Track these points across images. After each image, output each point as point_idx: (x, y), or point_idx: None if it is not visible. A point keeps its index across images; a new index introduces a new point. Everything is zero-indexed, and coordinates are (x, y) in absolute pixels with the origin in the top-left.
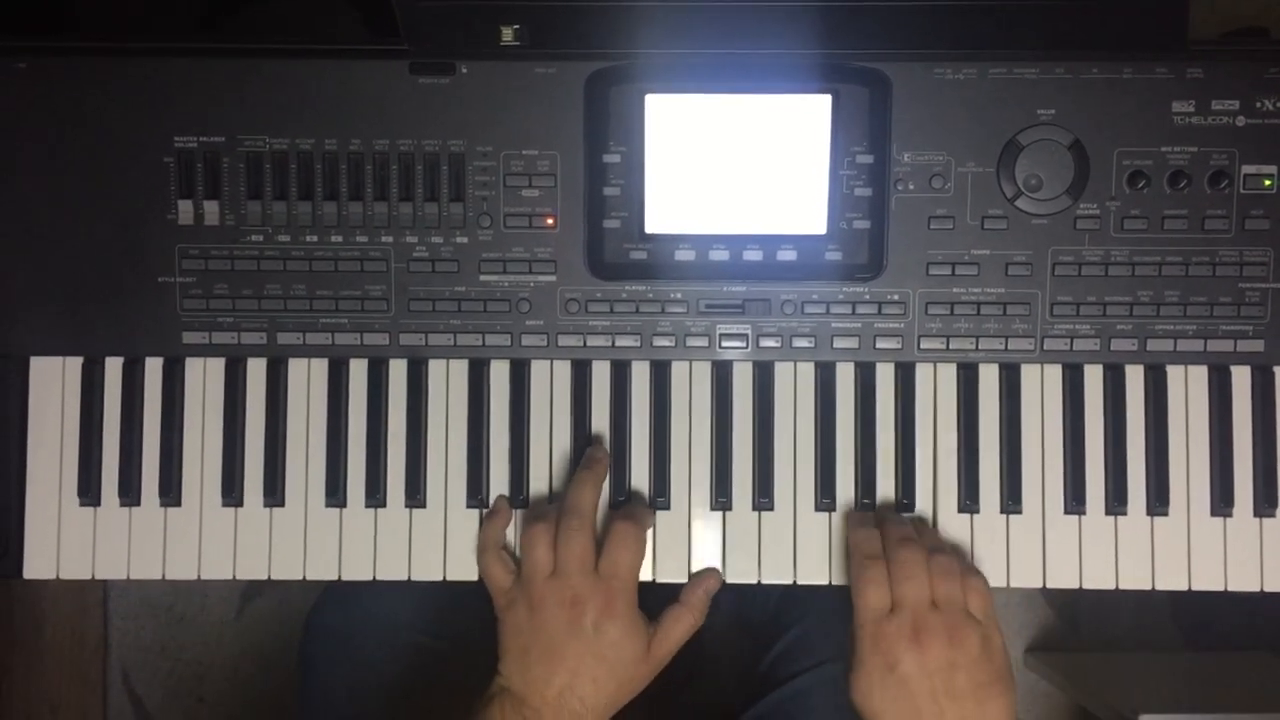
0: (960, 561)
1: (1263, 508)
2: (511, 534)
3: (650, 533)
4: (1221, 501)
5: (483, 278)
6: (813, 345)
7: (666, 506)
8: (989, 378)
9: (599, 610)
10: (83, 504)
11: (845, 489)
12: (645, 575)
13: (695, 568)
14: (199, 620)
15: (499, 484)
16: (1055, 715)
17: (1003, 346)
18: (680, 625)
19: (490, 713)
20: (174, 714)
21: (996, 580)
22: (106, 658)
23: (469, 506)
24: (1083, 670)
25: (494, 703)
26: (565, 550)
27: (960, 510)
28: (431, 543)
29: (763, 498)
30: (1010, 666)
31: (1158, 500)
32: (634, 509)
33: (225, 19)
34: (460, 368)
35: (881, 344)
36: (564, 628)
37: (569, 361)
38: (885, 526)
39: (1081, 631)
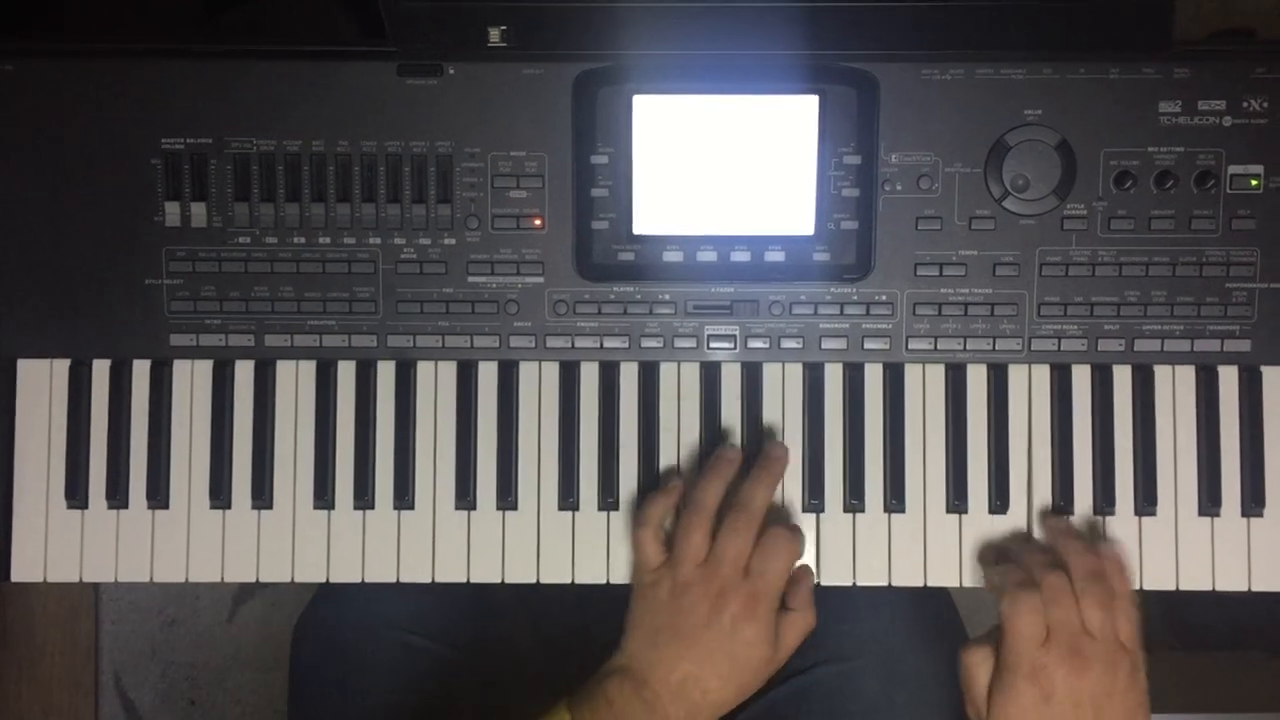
0: (1114, 584)
1: (1250, 507)
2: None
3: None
4: (1209, 501)
5: (471, 279)
6: (801, 346)
7: None
8: (977, 378)
9: (741, 608)
10: (70, 506)
11: (833, 490)
12: None
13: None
14: (191, 623)
15: (487, 486)
16: None
17: (990, 347)
18: (796, 629)
19: (607, 687)
20: (166, 717)
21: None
22: (98, 661)
23: (457, 508)
24: None
25: (612, 679)
26: (725, 543)
27: (949, 511)
28: (420, 544)
29: None
30: (1148, 698)
31: (1145, 500)
32: (795, 524)
33: (213, 20)
34: (448, 369)
35: (869, 345)
36: (703, 617)
37: (557, 363)
38: (1029, 553)
39: None
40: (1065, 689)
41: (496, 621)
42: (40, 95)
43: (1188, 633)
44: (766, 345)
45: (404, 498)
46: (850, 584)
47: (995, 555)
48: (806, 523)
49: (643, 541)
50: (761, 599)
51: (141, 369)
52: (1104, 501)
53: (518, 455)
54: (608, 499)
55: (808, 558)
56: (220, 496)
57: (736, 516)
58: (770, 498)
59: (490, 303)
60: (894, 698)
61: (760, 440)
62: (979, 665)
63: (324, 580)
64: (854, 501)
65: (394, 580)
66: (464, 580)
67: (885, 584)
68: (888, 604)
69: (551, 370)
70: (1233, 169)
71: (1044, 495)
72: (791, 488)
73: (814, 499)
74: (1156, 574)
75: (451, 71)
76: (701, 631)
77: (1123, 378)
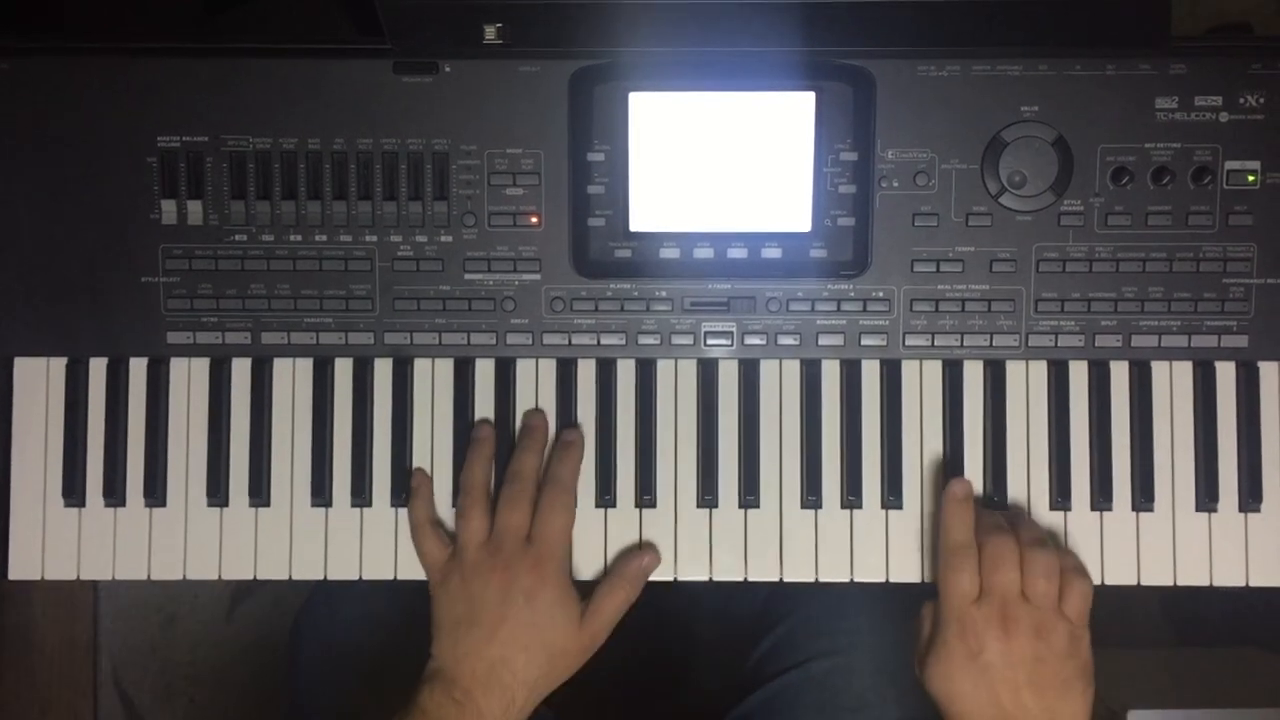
0: (1066, 561)
1: (1248, 503)
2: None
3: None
4: (1206, 497)
5: (467, 277)
6: (798, 343)
7: (653, 504)
8: (974, 375)
9: (530, 578)
10: (67, 505)
11: (831, 486)
12: None
13: (682, 565)
14: (189, 621)
15: None
16: None
17: (987, 343)
18: (614, 599)
19: (420, 699)
20: (164, 715)
21: None
22: (97, 658)
23: (454, 505)
24: None
25: (424, 689)
26: (501, 516)
27: None
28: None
29: (749, 495)
30: (1092, 669)
31: (1143, 496)
32: (561, 468)
33: (210, 19)
34: (445, 367)
35: (866, 341)
36: (496, 596)
37: (554, 360)
38: (979, 516)
39: None
40: (994, 649)
41: None
42: (37, 93)
43: (1186, 627)
44: (763, 342)
45: (401, 495)
46: (848, 580)
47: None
48: (805, 519)
49: (421, 543)
50: (546, 561)
51: (138, 367)
52: (1101, 497)
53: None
54: (605, 496)
55: (810, 556)
56: (217, 494)
57: (509, 489)
58: (540, 464)
59: (487, 300)
60: (886, 693)
61: (756, 439)
62: (924, 619)
63: (321, 578)
64: (851, 498)
65: (391, 578)
66: None
67: (883, 580)
68: (882, 599)
69: (548, 367)
70: (1229, 164)
71: (1041, 491)
72: (790, 484)
73: (811, 495)
74: (1154, 569)
75: (447, 69)
76: (499, 610)
77: (1120, 374)
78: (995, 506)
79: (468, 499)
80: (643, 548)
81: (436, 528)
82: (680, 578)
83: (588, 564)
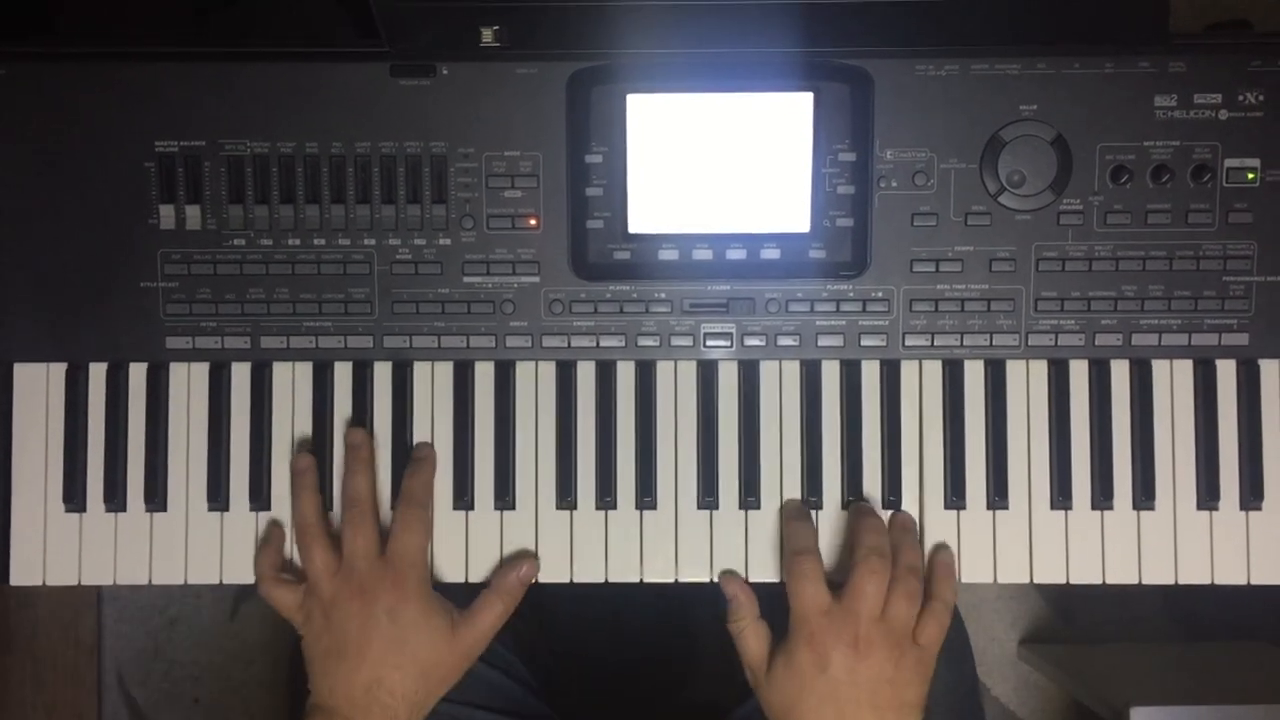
0: (936, 588)
1: (1249, 501)
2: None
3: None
4: (1207, 495)
5: (466, 279)
6: (797, 343)
7: (653, 506)
8: (974, 374)
9: (390, 596)
10: (68, 510)
11: (831, 487)
12: (632, 577)
13: (683, 567)
14: (193, 622)
15: (484, 485)
16: (1048, 707)
17: (987, 343)
18: (490, 612)
19: None
20: (169, 716)
21: (983, 576)
22: (101, 660)
23: (455, 508)
24: (1075, 662)
25: None
26: (349, 541)
27: (947, 507)
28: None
29: (749, 497)
30: (926, 696)
31: (1144, 495)
32: (412, 489)
33: (205, 22)
34: (445, 370)
35: (866, 341)
36: (358, 620)
37: (554, 363)
38: (863, 534)
39: (1074, 623)
40: (841, 664)
41: None
42: (33, 99)
43: (1189, 623)
44: (763, 343)
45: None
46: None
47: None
48: None
49: (269, 593)
50: (406, 577)
51: (138, 372)
52: (1102, 496)
53: (515, 455)
54: (605, 498)
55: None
56: (218, 499)
57: (347, 514)
58: (372, 484)
59: (486, 303)
60: None
61: (756, 440)
62: (745, 632)
63: None
64: (851, 498)
65: None
66: (463, 580)
67: None
68: None
69: (548, 370)
70: (1229, 162)
71: (1042, 490)
72: (790, 486)
73: (812, 496)
74: (1156, 568)
75: (445, 72)
76: (363, 634)
77: (1120, 372)
78: (994, 508)
79: (305, 536)
80: (520, 557)
81: (279, 575)
82: (681, 579)
83: (588, 567)
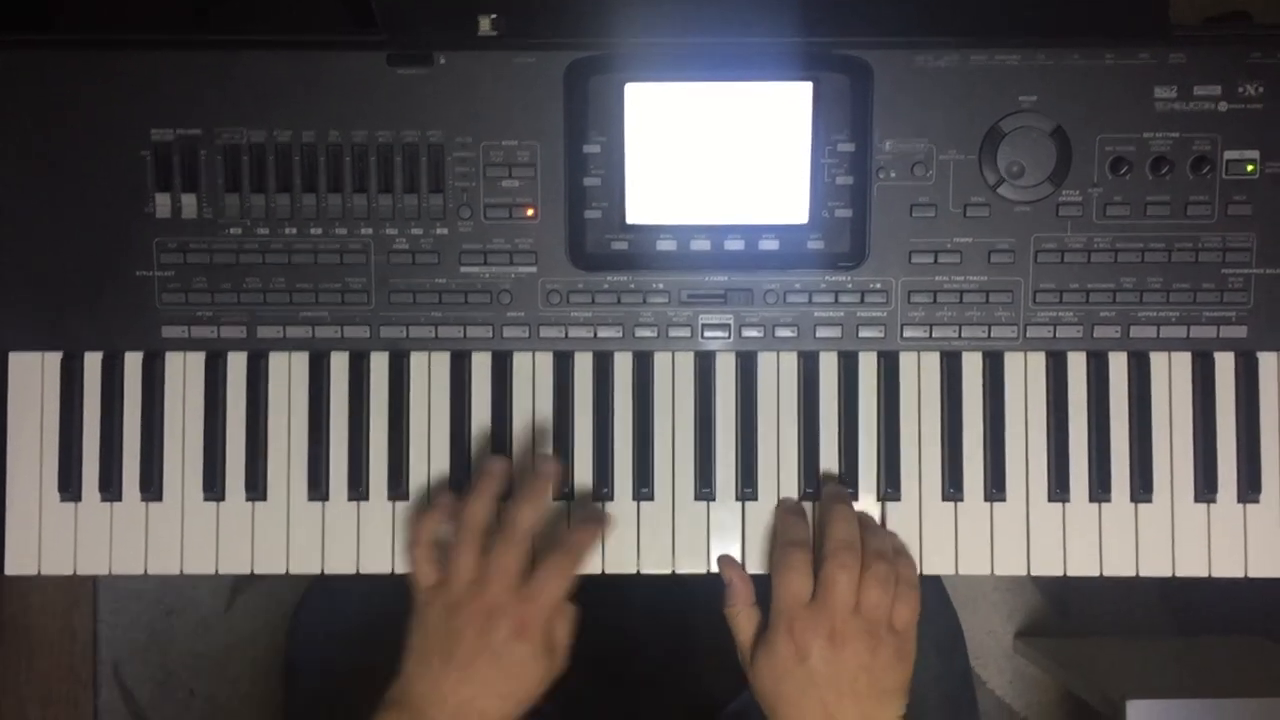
0: (900, 570)
1: (1246, 493)
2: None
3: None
4: (1205, 488)
5: (463, 269)
6: (795, 335)
7: (650, 498)
8: (972, 366)
9: (513, 628)
10: (63, 499)
11: (829, 479)
12: (629, 568)
13: (679, 558)
14: (189, 613)
15: None
16: (1044, 700)
17: (986, 334)
18: (564, 629)
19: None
20: (165, 707)
21: (981, 568)
22: (97, 651)
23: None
24: (1071, 655)
25: (389, 714)
26: (495, 561)
27: (944, 499)
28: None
29: (746, 488)
30: (909, 681)
31: (1142, 487)
32: (579, 537)
33: (202, 10)
34: (442, 360)
35: (864, 333)
36: (474, 637)
37: (551, 353)
38: (832, 525)
39: (1070, 616)
40: (820, 656)
41: None
42: (28, 87)
43: (1185, 616)
44: (761, 334)
45: (398, 489)
46: None
47: (793, 507)
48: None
49: (416, 561)
50: (533, 621)
51: (133, 361)
52: (1100, 489)
53: (512, 446)
54: (602, 489)
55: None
56: (214, 488)
57: (505, 534)
58: (540, 515)
59: (483, 293)
60: None
61: (754, 431)
62: (739, 617)
63: (319, 572)
64: (849, 491)
65: (389, 571)
66: None
67: None
68: None
69: (545, 360)
70: (1228, 154)
71: (1040, 482)
72: (787, 477)
73: (809, 488)
74: (1153, 561)
75: (442, 61)
76: (473, 654)
77: (1119, 364)
78: (992, 500)
79: (465, 533)
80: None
81: (435, 548)
82: (678, 570)
83: (588, 559)
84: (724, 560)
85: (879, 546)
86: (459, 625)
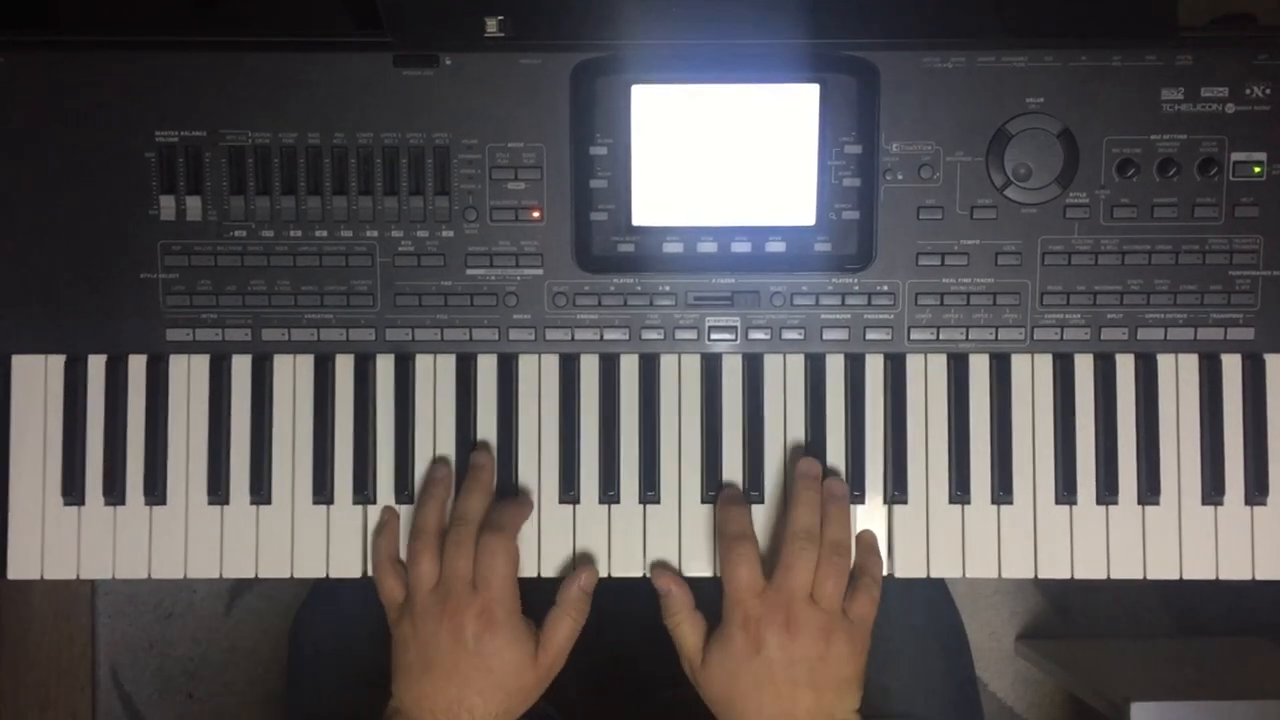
0: (866, 564)
1: (1254, 496)
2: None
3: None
4: (1213, 490)
5: (469, 272)
6: (802, 337)
7: (656, 500)
8: (979, 368)
9: (477, 623)
10: (67, 503)
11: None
12: (635, 571)
13: (686, 561)
14: (188, 616)
15: None
16: (1046, 702)
17: (993, 336)
18: (561, 628)
19: None
20: (164, 711)
21: (988, 571)
22: (95, 655)
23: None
24: (1074, 657)
25: None
26: (450, 562)
27: (951, 501)
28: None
29: (753, 491)
30: (864, 672)
31: (1149, 489)
32: (500, 514)
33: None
34: (447, 363)
35: (871, 335)
36: (447, 641)
37: (557, 355)
38: (794, 510)
39: (1072, 618)
40: (775, 645)
41: None
42: (32, 88)
43: (1187, 618)
44: (767, 336)
45: (404, 492)
46: None
47: (732, 498)
48: None
49: (381, 581)
50: (494, 607)
51: (137, 364)
52: (1107, 491)
53: (518, 449)
54: (609, 492)
55: None
56: (218, 492)
57: (455, 531)
58: (485, 505)
59: (489, 295)
60: (889, 686)
61: (761, 434)
62: (681, 625)
63: (324, 576)
64: (856, 493)
65: None
66: None
67: (887, 575)
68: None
69: (551, 363)
70: (1235, 156)
71: (1047, 485)
72: (794, 481)
73: None
74: (1160, 564)
75: (448, 62)
76: (450, 655)
77: (1126, 367)
78: (999, 503)
79: (418, 542)
80: (579, 566)
81: (397, 566)
82: (685, 574)
83: (590, 560)
84: (657, 570)
85: (837, 537)
86: (429, 633)
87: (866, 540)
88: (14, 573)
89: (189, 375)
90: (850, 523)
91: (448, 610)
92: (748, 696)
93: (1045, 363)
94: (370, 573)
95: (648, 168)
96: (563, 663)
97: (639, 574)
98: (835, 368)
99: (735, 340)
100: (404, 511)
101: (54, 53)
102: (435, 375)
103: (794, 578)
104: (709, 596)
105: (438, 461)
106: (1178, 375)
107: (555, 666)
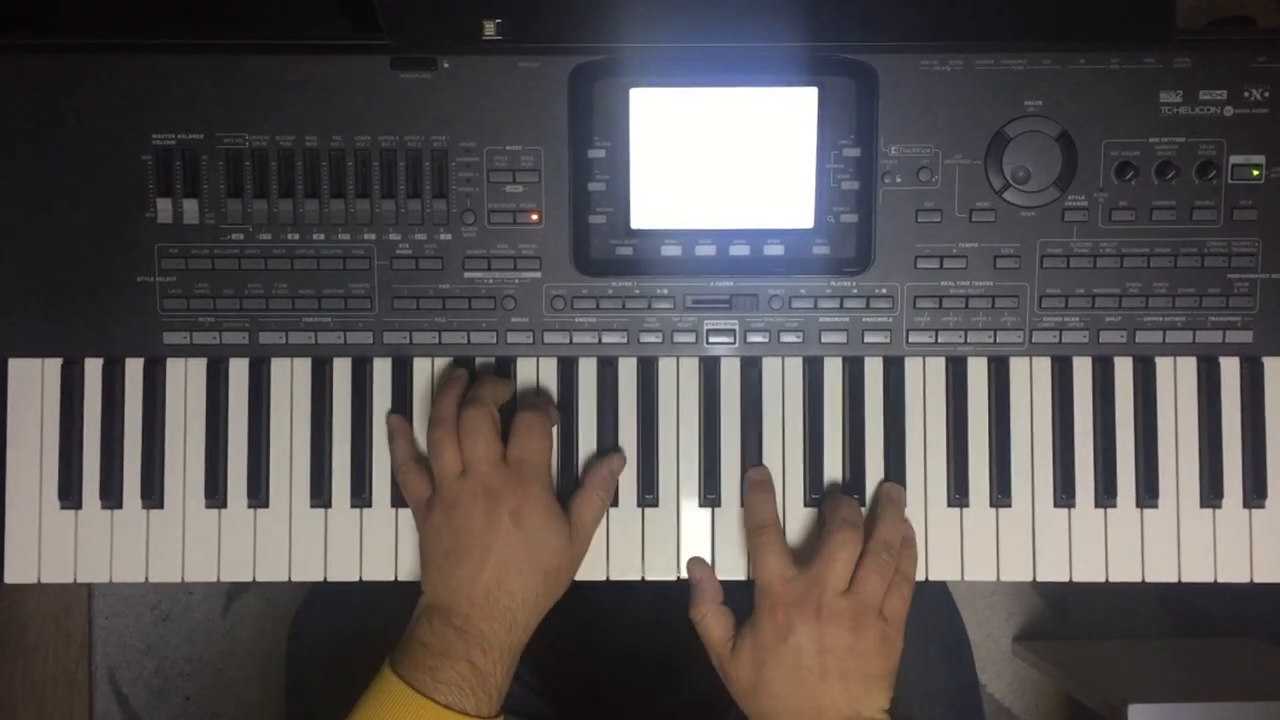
0: (900, 563)
1: (1252, 499)
2: None
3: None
4: (1211, 493)
5: (467, 275)
6: (801, 340)
7: (655, 503)
8: (978, 371)
9: (515, 499)
10: (64, 507)
11: (833, 484)
12: (634, 574)
13: (685, 564)
14: (184, 618)
15: None
16: (1044, 704)
17: (991, 339)
18: (590, 508)
19: (418, 632)
20: (160, 712)
21: (986, 574)
22: (92, 657)
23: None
24: (1071, 658)
25: (420, 623)
26: (470, 444)
27: (950, 504)
28: (418, 543)
29: None
30: (894, 675)
31: (1147, 492)
32: (534, 398)
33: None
34: (446, 366)
35: (870, 338)
36: (481, 522)
37: (555, 359)
38: (837, 507)
39: (1070, 619)
40: (805, 632)
41: None
42: (29, 91)
43: (1186, 619)
44: (766, 339)
45: (402, 496)
46: None
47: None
48: (808, 517)
49: (405, 481)
50: (532, 481)
51: (134, 368)
52: (1105, 494)
53: None
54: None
55: (812, 554)
56: (215, 496)
57: (467, 413)
58: (493, 390)
59: (487, 298)
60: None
61: (759, 437)
62: (707, 617)
63: (322, 579)
64: (855, 496)
65: (392, 579)
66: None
67: None
68: None
69: (549, 366)
70: (1234, 159)
71: (1046, 488)
72: (792, 482)
73: (814, 493)
74: (1158, 566)
75: (446, 65)
76: (486, 535)
77: (1124, 369)
78: (997, 505)
79: (437, 430)
80: (611, 452)
81: (420, 465)
82: (684, 576)
83: (591, 565)
84: (693, 562)
85: (888, 537)
86: (462, 519)
87: (906, 536)
88: (11, 577)
89: (186, 379)
90: (901, 528)
91: (479, 490)
92: (773, 684)
93: (1044, 365)
94: (395, 475)
95: (646, 171)
96: (588, 546)
97: (637, 577)
98: (834, 371)
99: (734, 343)
100: (403, 516)
101: (51, 55)
102: (433, 378)
103: (834, 568)
104: (731, 599)
105: (453, 363)
106: (1176, 378)
107: (584, 549)
